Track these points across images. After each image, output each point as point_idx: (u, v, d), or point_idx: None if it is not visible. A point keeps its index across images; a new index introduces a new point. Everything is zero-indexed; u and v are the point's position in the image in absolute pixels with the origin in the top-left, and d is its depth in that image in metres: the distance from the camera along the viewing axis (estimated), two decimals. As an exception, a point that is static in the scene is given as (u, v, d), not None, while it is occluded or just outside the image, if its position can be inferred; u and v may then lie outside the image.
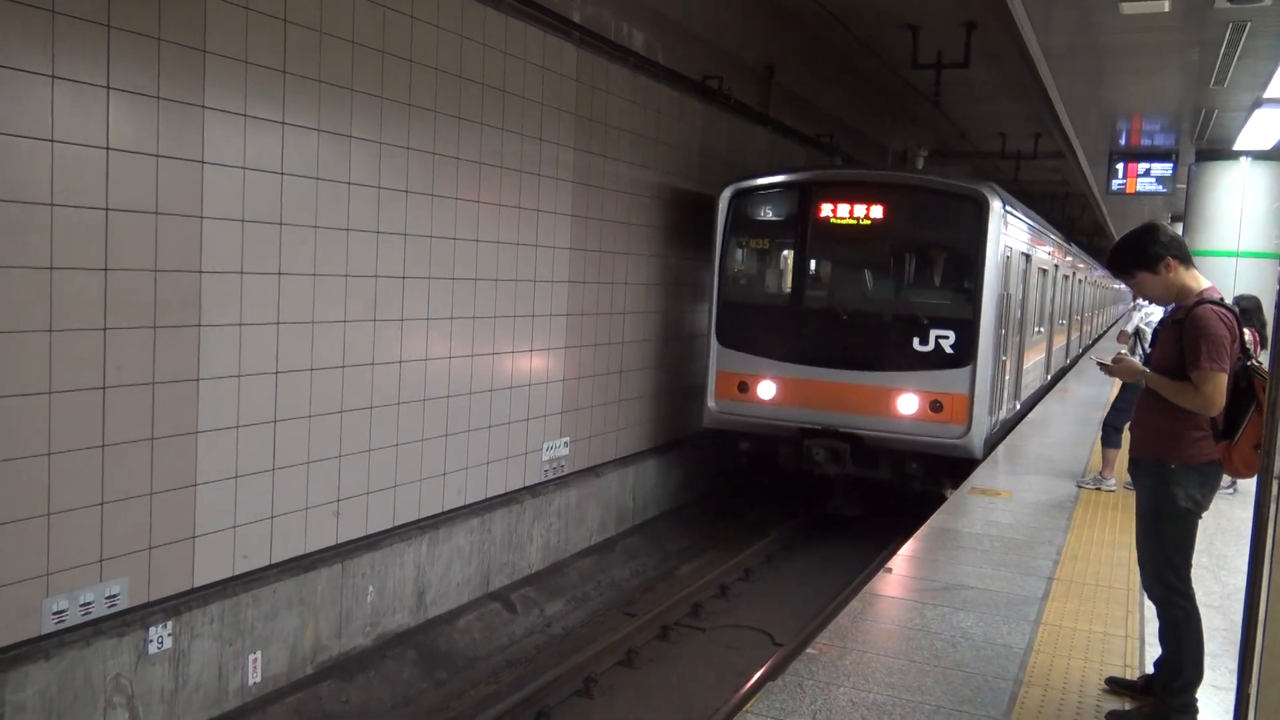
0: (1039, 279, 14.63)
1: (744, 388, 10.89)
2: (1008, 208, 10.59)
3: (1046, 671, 4.97)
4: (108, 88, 5.27)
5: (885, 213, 10.47)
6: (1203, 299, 4.24)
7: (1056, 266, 17.18)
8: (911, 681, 4.75)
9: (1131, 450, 4.47)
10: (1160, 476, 4.24)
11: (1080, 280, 23.78)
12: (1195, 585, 4.36)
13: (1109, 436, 9.39)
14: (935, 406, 10.05)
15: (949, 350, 10.03)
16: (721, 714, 6.89)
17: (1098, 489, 9.25)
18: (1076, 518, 8.19)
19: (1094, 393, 16.84)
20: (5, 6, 4.78)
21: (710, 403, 11.12)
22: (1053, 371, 18.38)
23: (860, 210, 10.53)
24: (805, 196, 10.88)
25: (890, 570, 6.54)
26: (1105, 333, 35.77)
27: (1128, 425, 8.89)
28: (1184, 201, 16.41)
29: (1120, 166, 16.46)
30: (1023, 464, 10.54)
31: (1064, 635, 5.48)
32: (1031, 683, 4.82)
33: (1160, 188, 16.39)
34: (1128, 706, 4.55)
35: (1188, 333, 4.14)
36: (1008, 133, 20.77)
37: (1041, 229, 14.66)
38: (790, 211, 11.14)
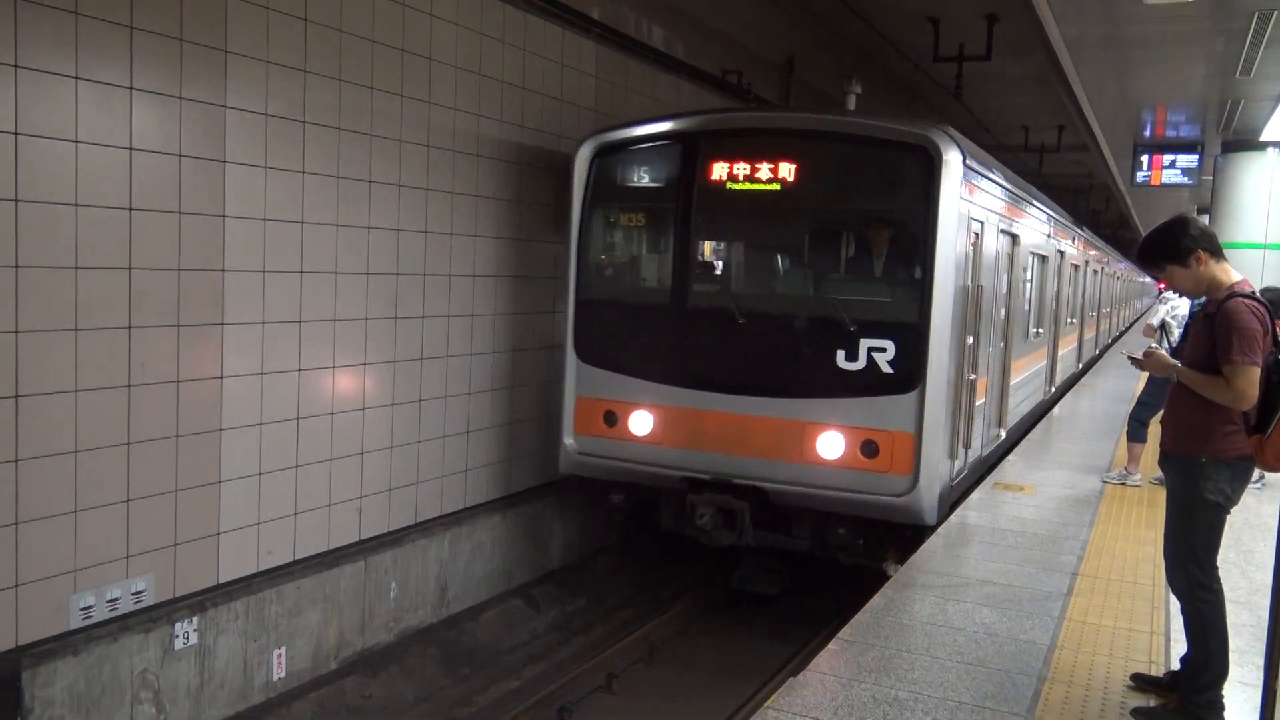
0: (1035, 268, 12.00)
1: (611, 419, 8.04)
2: (972, 163, 7.67)
3: (1070, 668, 4.93)
4: (130, 89, 5.31)
5: (798, 173, 7.54)
6: (1234, 292, 4.19)
7: (1062, 253, 14.22)
8: (934, 677, 4.73)
9: (1162, 444, 4.43)
10: (1191, 471, 4.20)
11: (1095, 271, 20.35)
12: (1222, 581, 4.32)
13: (1135, 431, 9.31)
14: (868, 449, 7.26)
15: (887, 368, 7.21)
16: (744, 710, 6.88)
17: (1123, 484, 9.17)
18: (1101, 513, 8.12)
19: (1119, 387, 16.69)
20: (29, 9, 4.83)
21: (567, 439, 8.21)
22: (1058, 382, 15.20)
23: (764, 170, 7.56)
24: (691, 152, 7.90)
25: (913, 565, 6.52)
26: (1127, 330, 34.55)
27: (1154, 419, 8.87)
28: (1210, 193, 16.25)
29: (1145, 158, 16.32)
30: (1046, 458, 10.45)
31: (1088, 631, 5.43)
32: (1055, 679, 4.79)
33: (1186, 180, 16.24)
34: (1153, 703, 4.50)
35: (1219, 326, 4.10)
36: (1030, 125, 20.59)
37: (1036, 204, 11.76)
38: (672, 174, 8.11)
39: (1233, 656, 4.36)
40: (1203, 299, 4.48)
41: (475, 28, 7.87)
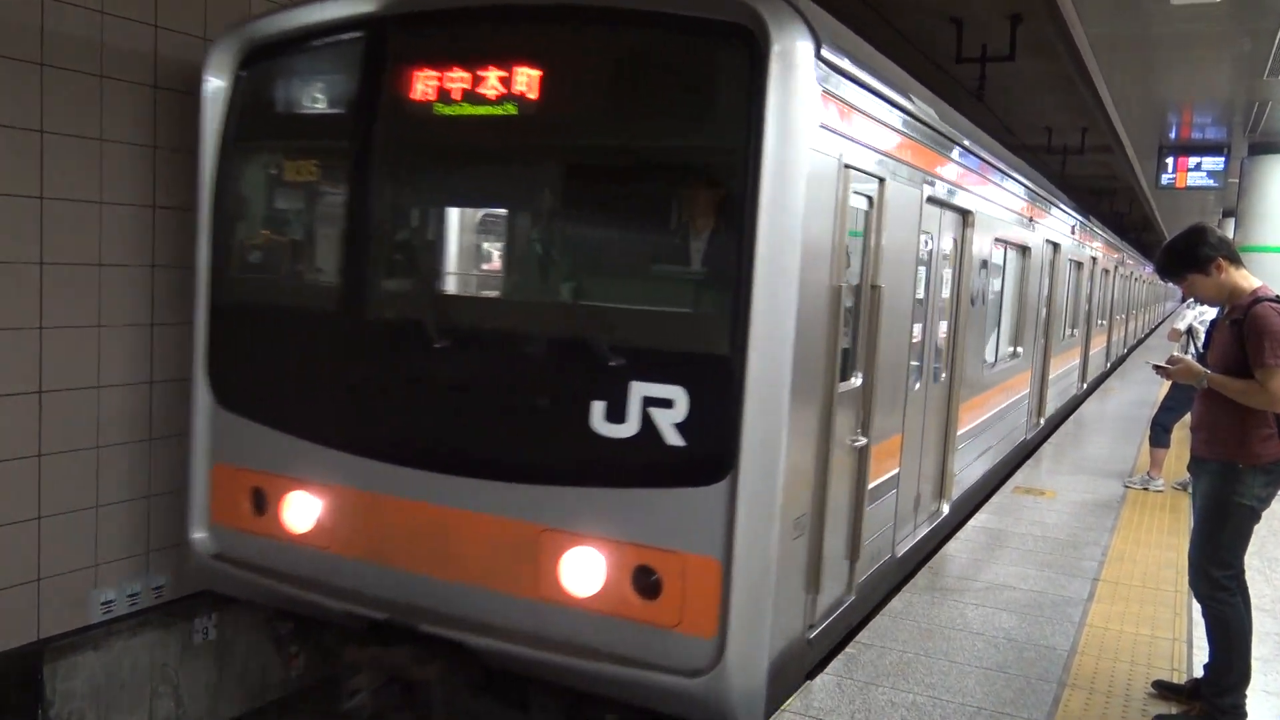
0: (1011, 264, 9.29)
1: (261, 502, 5.06)
2: (844, 63, 4.38)
3: (1091, 674, 4.89)
4: (155, 87, 5.35)
5: (545, 84, 4.38)
6: (1258, 297, 4.22)
7: (1056, 245, 11.34)
8: (952, 683, 4.70)
9: (1194, 450, 4.42)
10: (1227, 476, 4.20)
11: (1106, 270, 17.43)
12: (1248, 587, 4.29)
13: (1158, 436, 9.23)
14: (644, 583, 4.18)
15: (675, 437, 4.10)
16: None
17: (1145, 489, 9.09)
18: (1123, 518, 8.05)
19: (1141, 391, 16.55)
20: (51, 8, 4.86)
21: (196, 532, 5.24)
22: (1049, 412, 12.02)
23: (491, 81, 4.44)
24: (375, 54, 4.88)
25: (932, 569, 6.48)
26: (1146, 337, 33.69)
27: (1177, 424, 8.79)
28: (1236, 196, 16.11)
29: (1170, 160, 16.20)
30: (1068, 463, 10.37)
31: (1109, 638, 5.38)
32: (1076, 685, 4.75)
33: (1211, 182, 16.11)
34: (1175, 710, 4.47)
35: (1249, 331, 4.13)
36: (1054, 127, 20.47)
37: (1009, 171, 8.49)
38: (350, 93, 5.07)
39: (1256, 665, 4.33)
40: (1227, 306, 4.47)
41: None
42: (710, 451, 4.04)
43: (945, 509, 7.18)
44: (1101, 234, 17.11)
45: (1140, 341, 30.52)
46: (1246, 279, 4.33)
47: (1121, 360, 23.32)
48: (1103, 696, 4.64)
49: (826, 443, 4.60)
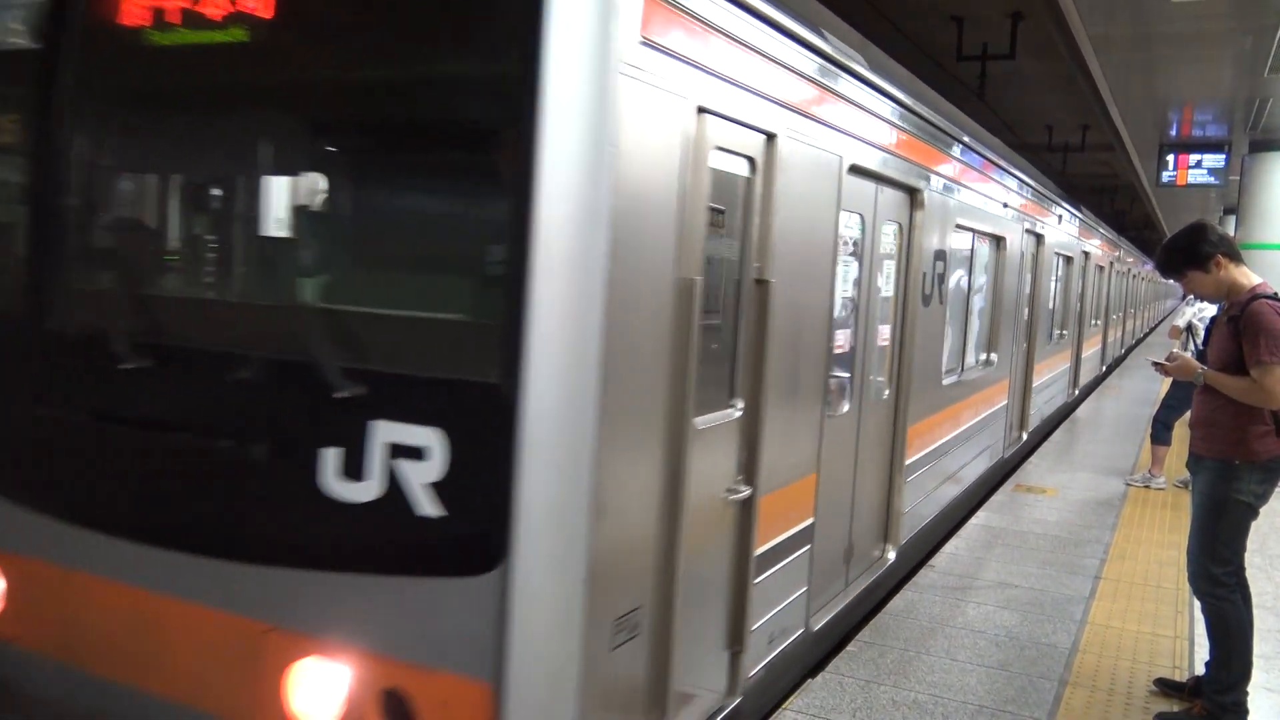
0: (983, 257, 8.08)
1: None
2: None
3: (1093, 672, 4.89)
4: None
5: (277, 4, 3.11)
6: (1256, 294, 4.22)
7: (1039, 237, 10.10)
8: (954, 680, 4.70)
9: (1193, 447, 4.43)
10: (1224, 473, 4.21)
11: (1101, 266, 16.30)
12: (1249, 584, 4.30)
13: (1159, 433, 9.24)
14: (396, 713, 2.88)
15: (429, 504, 2.82)
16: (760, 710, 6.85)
17: (1147, 487, 9.10)
18: (1124, 516, 8.05)
19: (1143, 389, 16.55)
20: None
21: None
22: (1032, 426, 10.83)
23: None
24: None
25: (933, 567, 6.48)
26: (1145, 337, 33.57)
27: (1178, 422, 8.80)
28: (1237, 194, 16.10)
29: (1171, 158, 16.19)
30: (1069, 461, 10.37)
31: (1111, 635, 5.39)
32: (1077, 683, 4.75)
33: (1212, 180, 16.10)
34: (1176, 708, 4.47)
35: (1246, 328, 4.13)
36: (1055, 125, 20.47)
37: (967, 140, 7.13)
38: (48, 17, 3.55)
39: (1257, 662, 4.33)
40: (1224, 303, 4.49)
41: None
42: (475, 526, 2.80)
43: (891, 555, 5.98)
44: (1095, 226, 16.12)
45: (1139, 341, 30.41)
46: (1246, 276, 4.34)
47: (1119, 362, 22.90)
48: (1104, 694, 4.65)
49: (676, 501, 3.32)
